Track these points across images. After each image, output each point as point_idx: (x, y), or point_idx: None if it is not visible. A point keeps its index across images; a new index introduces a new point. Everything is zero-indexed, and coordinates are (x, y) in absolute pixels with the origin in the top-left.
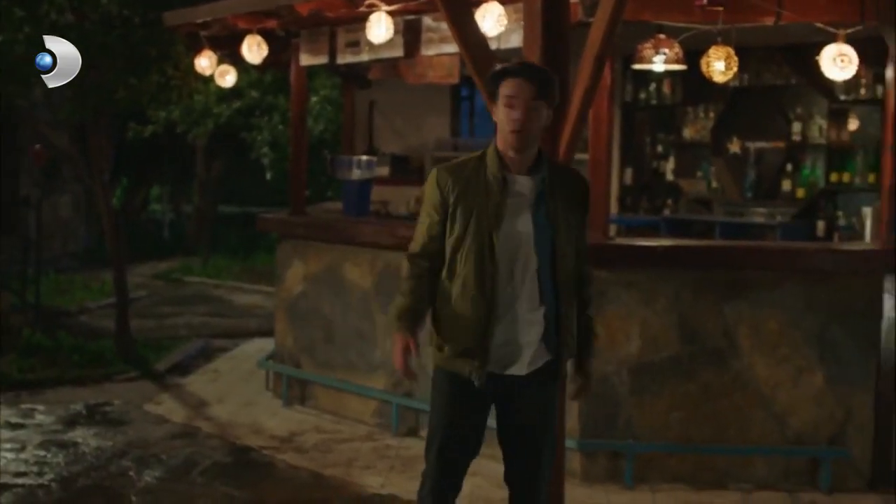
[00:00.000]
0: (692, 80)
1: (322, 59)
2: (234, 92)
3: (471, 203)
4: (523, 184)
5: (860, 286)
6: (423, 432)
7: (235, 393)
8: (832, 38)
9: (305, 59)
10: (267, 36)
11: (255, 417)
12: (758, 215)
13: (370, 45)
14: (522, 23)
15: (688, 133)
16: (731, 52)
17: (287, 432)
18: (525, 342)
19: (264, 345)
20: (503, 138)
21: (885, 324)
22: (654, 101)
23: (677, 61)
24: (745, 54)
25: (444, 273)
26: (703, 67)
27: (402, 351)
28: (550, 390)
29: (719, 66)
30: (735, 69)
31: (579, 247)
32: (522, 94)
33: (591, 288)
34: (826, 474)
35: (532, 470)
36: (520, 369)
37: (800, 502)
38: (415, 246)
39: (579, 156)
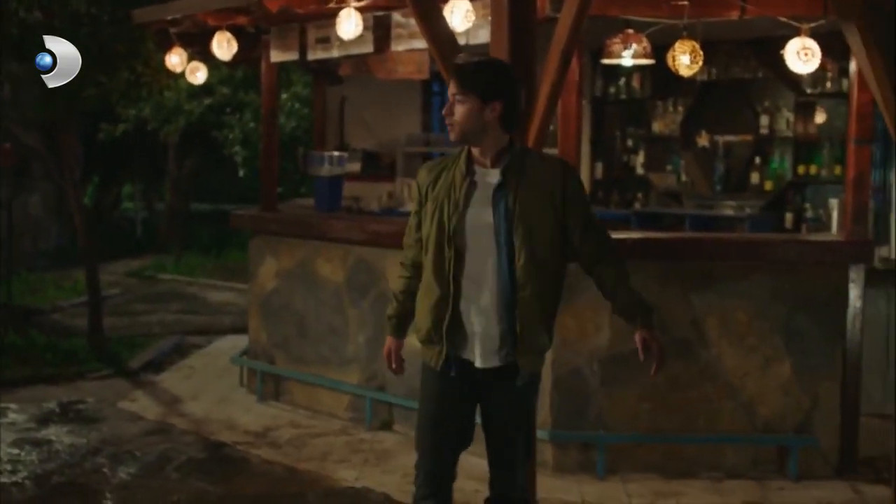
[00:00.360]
0: (661, 75)
1: (292, 56)
2: (205, 89)
3: (438, 196)
4: (488, 177)
5: (826, 276)
6: (397, 426)
7: (209, 389)
8: (797, 32)
9: (276, 56)
10: (237, 32)
11: (230, 413)
12: (727, 208)
13: (340, 41)
14: (490, 18)
15: (657, 127)
16: (697, 46)
17: (261, 427)
18: (479, 333)
19: (238, 341)
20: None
21: (851, 313)
22: (623, 96)
23: (645, 56)
24: (714, 48)
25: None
26: (669, 61)
27: (385, 352)
28: (519, 387)
29: (685, 59)
30: (700, 63)
31: (575, 230)
32: (449, 90)
33: (614, 266)
34: (794, 462)
35: (507, 459)
36: (473, 356)
37: (768, 490)
38: (404, 238)
39: (548, 150)
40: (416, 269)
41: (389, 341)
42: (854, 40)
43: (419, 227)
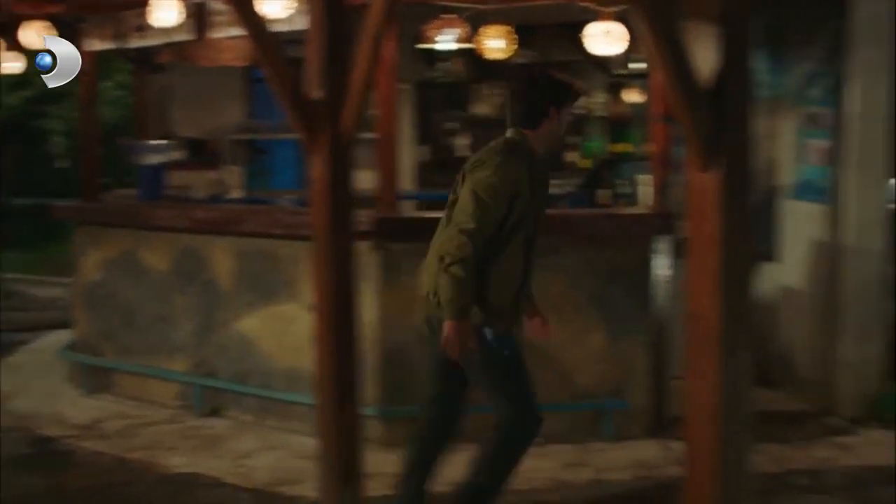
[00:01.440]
0: (482, 59)
1: (109, 44)
2: (23, 80)
3: (529, 189)
4: (543, 169)
5: (633, 248)
6: (227, 411)
7: (36, 385)
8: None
9: (91, 45)
10: (55, 21)
11: (57, 408)
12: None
13: (159, 28)
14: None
15: (479, 109)
16: (510, 30)
17: (89, 420)
18: (522, 301)
19: (66, 336)
20: (557, 139)
21: (657, 282)
22: (446, 80)
23: (466, 40)
24: (536, 32)
25: (493, 249)
26: (476, 45)
27: (463, 336)
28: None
29: (493, 43)
30: (515, 46)
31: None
32: (571, 109)
33: None
34: (609, 425)
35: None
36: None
37: (588, 451)
38: (475, 224)
39: (367, 135)
40: (479, 251)
41: (467, 326)
42: (638, 23)
43: (505, 218)
